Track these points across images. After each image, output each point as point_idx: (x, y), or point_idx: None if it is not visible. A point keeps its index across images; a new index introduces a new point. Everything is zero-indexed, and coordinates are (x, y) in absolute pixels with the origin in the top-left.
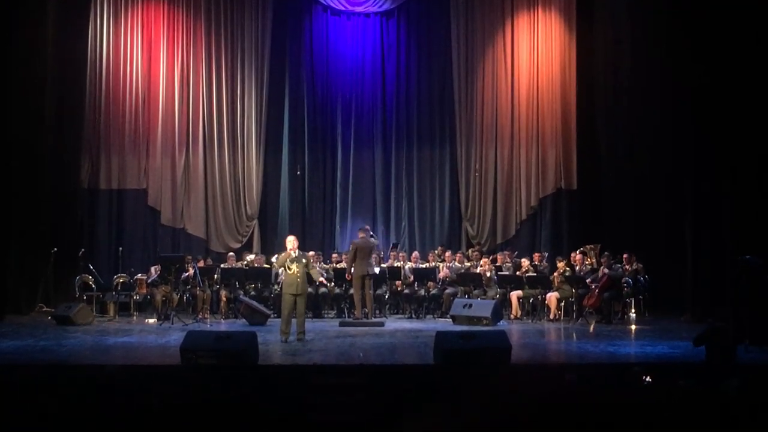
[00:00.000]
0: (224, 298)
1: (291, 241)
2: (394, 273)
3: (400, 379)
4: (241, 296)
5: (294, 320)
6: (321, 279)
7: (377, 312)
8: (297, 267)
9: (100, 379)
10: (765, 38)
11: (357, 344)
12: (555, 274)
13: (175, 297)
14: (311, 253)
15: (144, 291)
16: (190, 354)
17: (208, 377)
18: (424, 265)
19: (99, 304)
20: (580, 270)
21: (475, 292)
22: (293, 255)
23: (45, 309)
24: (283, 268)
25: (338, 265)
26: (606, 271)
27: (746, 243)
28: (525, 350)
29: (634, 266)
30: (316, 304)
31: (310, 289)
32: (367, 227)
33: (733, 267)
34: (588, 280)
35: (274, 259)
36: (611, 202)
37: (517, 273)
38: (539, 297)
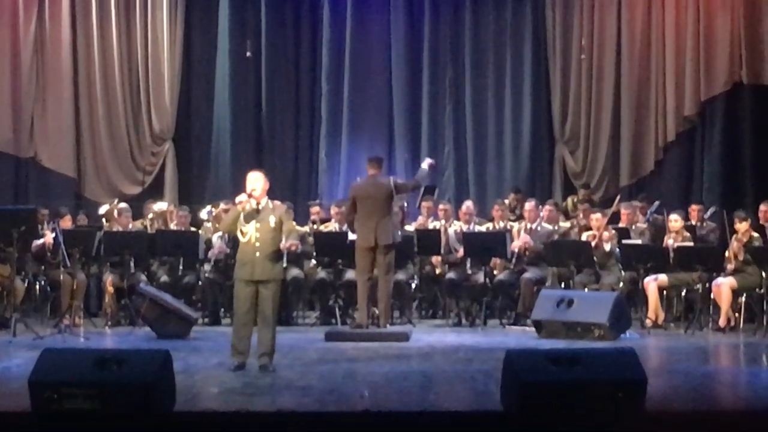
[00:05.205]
0: (111, 289)
1: (253, 181)
2: (429, 242)
3: None
4: (142, 285)
5: (256, 330)
6: (292, 243)
7: (397, 314)
8: (258, 230)
9: None
10: None
11: (359, 374)
12: (730, 246)
13: (20, 286)
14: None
15: None
16: (46, 391)
17: None
18: (483, 227)
19: None
20: None
21: (579, 277)
22: (252, 206)
23: None
24: (235, 233)
25: (322, 227)
26: None
27: None
28: (672, 385)
29: None
30: (281, 298)
31: None
32: (380, 158)
33: None
34: None
35: (204, 214)
36: None
37: (660, 242)
38: (700, 286)
